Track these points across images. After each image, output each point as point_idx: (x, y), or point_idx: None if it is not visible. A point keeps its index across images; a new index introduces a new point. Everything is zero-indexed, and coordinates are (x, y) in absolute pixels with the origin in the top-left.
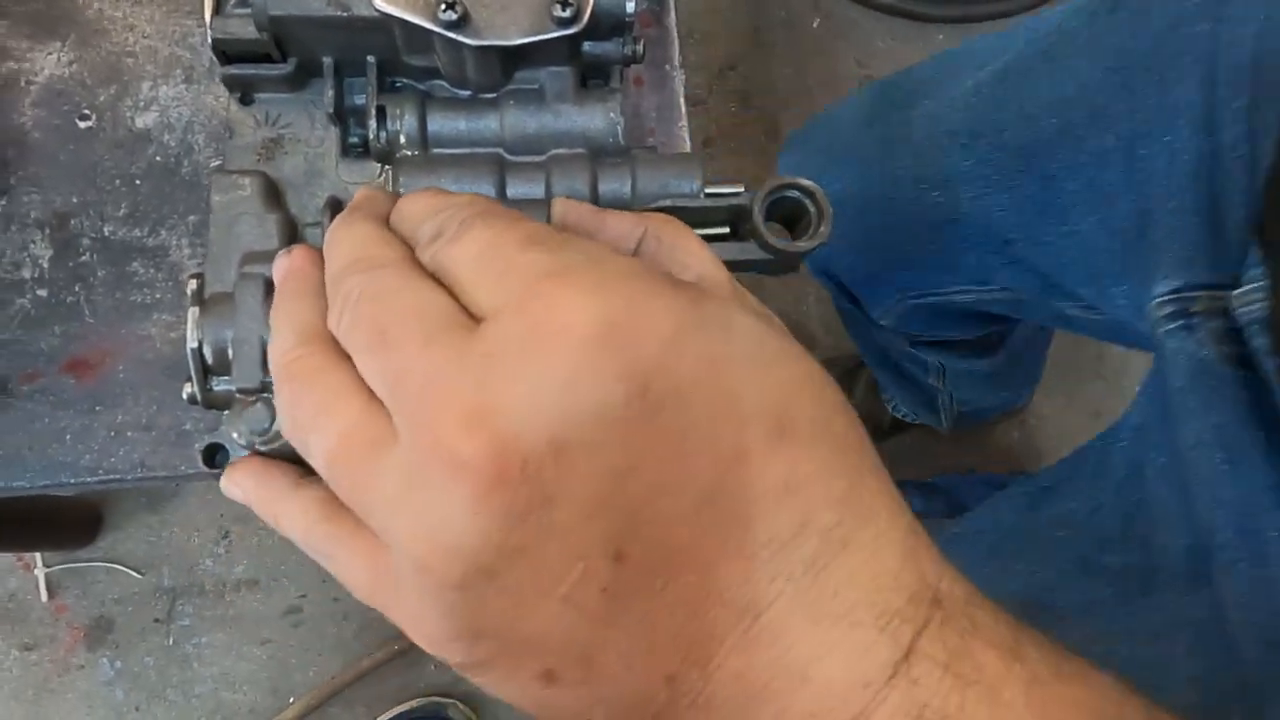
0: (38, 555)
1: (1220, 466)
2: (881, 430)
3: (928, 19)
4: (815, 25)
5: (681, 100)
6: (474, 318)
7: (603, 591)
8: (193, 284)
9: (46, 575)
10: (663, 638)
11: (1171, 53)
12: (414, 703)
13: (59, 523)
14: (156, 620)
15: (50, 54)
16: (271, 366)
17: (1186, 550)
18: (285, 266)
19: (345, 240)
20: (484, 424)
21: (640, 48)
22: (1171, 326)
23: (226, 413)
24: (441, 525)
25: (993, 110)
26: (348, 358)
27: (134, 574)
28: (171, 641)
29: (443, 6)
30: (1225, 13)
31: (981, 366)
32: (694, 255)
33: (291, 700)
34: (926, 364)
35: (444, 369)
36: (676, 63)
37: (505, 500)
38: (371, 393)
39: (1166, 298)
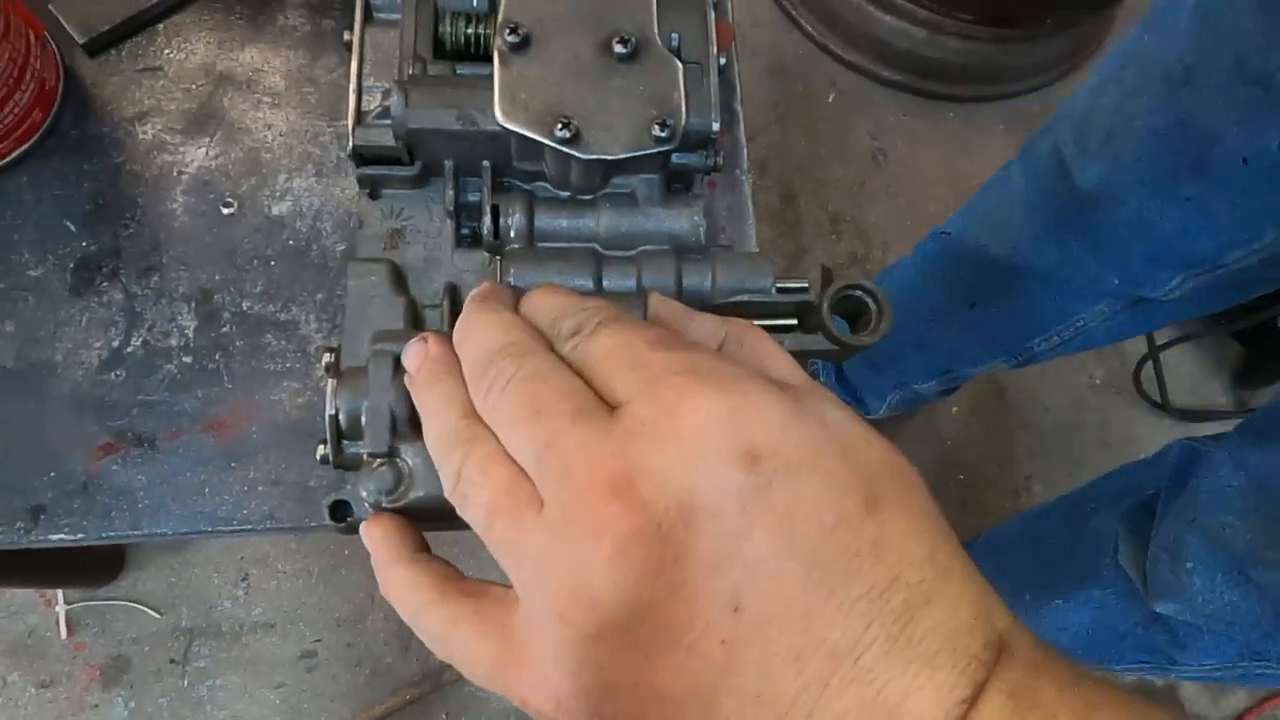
0: (59, 592)
1: None
2: None
3: (938, 97)
4: (831, 100)
5: (750, 201)
6: (607, 403)
7: (722, 643)
8: (328, 357)
9: (67, 612)
10: (775, 685)
11: None
12: None
13: (83, 560)
14: (172, 661)
15: (200, 148)
16: (438, 436)
17: None
18: (423, 353)
19: (490, 326)
20: (625, 490)
21: (720, 159)
22: None
23: (357, 473)
24: (583, 579)
25: None
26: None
27: (153, 613)
28: (186, 683)
29: (559, 125)
30: None
31: None
32: (774, 358)
33: None
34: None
35: (590, 441)
36: (745, 168)
37: (640, 557)
38: (514, 460)
39: None
